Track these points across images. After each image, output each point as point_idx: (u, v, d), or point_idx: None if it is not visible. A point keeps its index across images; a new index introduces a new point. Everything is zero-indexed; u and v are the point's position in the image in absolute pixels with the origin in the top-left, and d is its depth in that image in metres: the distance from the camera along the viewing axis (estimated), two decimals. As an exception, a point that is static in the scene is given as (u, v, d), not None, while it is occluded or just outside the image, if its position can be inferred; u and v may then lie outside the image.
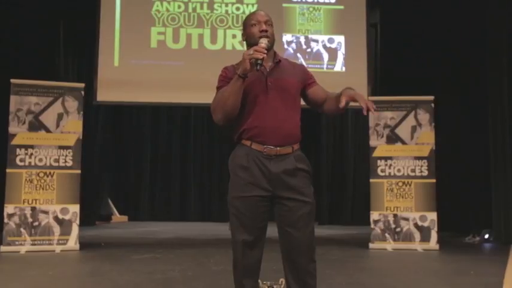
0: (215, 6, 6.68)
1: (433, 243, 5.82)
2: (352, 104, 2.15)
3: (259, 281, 2.35)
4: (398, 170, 6.00)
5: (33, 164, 5.43)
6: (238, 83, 2.14)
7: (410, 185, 5.94)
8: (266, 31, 2.25)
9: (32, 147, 5.45)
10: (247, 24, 2.32)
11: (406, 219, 5.89)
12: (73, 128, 5.60)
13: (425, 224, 5.86)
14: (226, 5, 6.70)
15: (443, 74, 7.48)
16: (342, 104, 2.08)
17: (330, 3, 6.80)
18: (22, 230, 5.32)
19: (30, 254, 5.20)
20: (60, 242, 5.42)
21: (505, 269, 4.54)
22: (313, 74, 2.43)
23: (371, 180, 6.05)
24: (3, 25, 6.75)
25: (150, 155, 9.70)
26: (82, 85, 5.82)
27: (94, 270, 4.41)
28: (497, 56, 6.60)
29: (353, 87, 2.14)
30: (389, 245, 5.85)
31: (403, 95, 6.20)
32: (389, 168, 6.01)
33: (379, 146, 6.06)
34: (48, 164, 5.47)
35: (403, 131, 6.06)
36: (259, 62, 2.09)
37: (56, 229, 5.41)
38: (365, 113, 2.03)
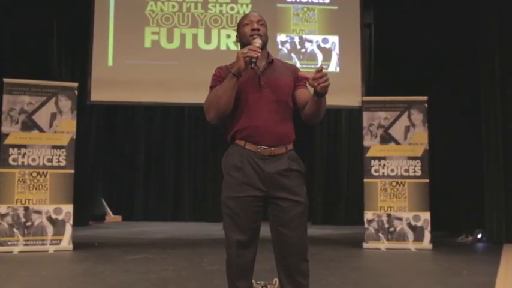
0: (209, 6, 6.66)
1: (426, 243, 5.85)
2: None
3: (252, 281, 2.35)
4: (392, 170, 6.02)
5: (26, 163, 5.40)
6: (232, 82, 2.14)
7: (403, 185, 5.97)
8: (258, 30, 2.26)
9: (25, 146, 5.42)
10: (240, 25, 2.35)
11: (400, 219, 5.92)
12: (66, 127, 5.58)
13: (419, 224, 5.89)
14: (221, 4, 6.69)
15: (437, 74, 7.52)
16: (312, 83, 2.07)
17: (324, 4, 6.80)
18: (15, 230, 5.30)
19: (23, 254, 5.17)
20: (54, 242, 5.40)
21: (498, 268, 4.57)
22: (307, 75, 2.42)
23: (365, 180, 6.07)
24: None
25: (144, 155, 9.70)
26: (75, 85, 5.80)
27: (87, 270, 4.40)
28: (489, 56, 6.64)
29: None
30: (383, 245, 5.88)
31: (396, 95, 6.23)
32: (383, 168, 6.03)
33: (373, 146, 6.08)
34: (41, 163, 5.44)
35: (396, 131, 6.09)
36: (253, 60, 2.10)
37: (49, 229, 5.39)
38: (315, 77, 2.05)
